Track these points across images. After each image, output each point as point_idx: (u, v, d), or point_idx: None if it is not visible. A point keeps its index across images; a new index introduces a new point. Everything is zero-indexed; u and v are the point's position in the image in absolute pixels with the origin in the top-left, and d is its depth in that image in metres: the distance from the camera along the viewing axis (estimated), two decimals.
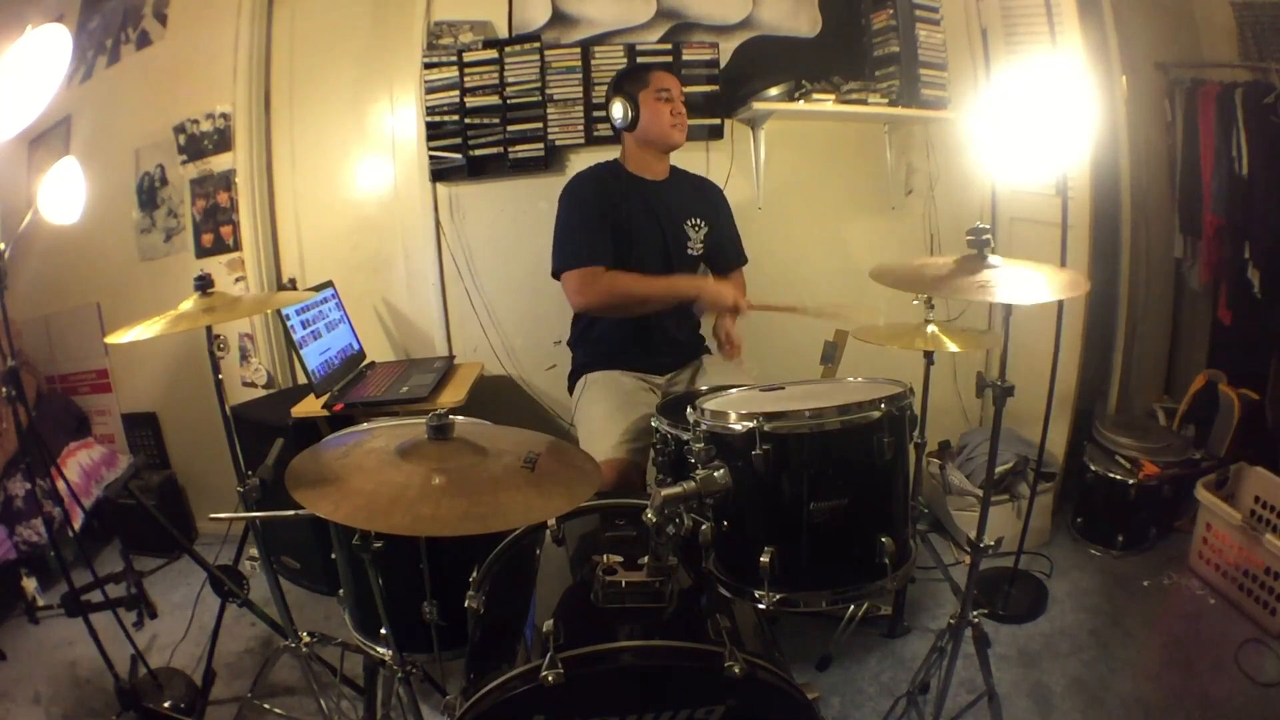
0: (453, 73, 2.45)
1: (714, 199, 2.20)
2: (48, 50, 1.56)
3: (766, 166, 2.57)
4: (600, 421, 1.87)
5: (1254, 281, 2.39)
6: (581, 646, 0.97)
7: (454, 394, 2.20)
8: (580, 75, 2.49)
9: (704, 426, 1.14)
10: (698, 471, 1.09)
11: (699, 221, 2.09)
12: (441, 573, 1.22)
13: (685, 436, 1.27)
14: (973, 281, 1.24)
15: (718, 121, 2.54)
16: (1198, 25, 2.57)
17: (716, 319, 2.06)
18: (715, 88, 2.51)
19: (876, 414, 1.09)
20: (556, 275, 1.97)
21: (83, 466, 2.49)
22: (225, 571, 1.95)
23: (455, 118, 2.48)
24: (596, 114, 2.50)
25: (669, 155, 2.11)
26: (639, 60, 2.48)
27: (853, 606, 1.91)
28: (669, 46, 2.50)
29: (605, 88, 2.46)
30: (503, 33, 2.50)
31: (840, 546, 1.12)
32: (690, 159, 2.21)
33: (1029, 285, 1.25)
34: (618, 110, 2.01)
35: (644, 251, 2.00)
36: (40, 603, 2.29)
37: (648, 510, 1.06)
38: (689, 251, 2.09)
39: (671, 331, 2.08)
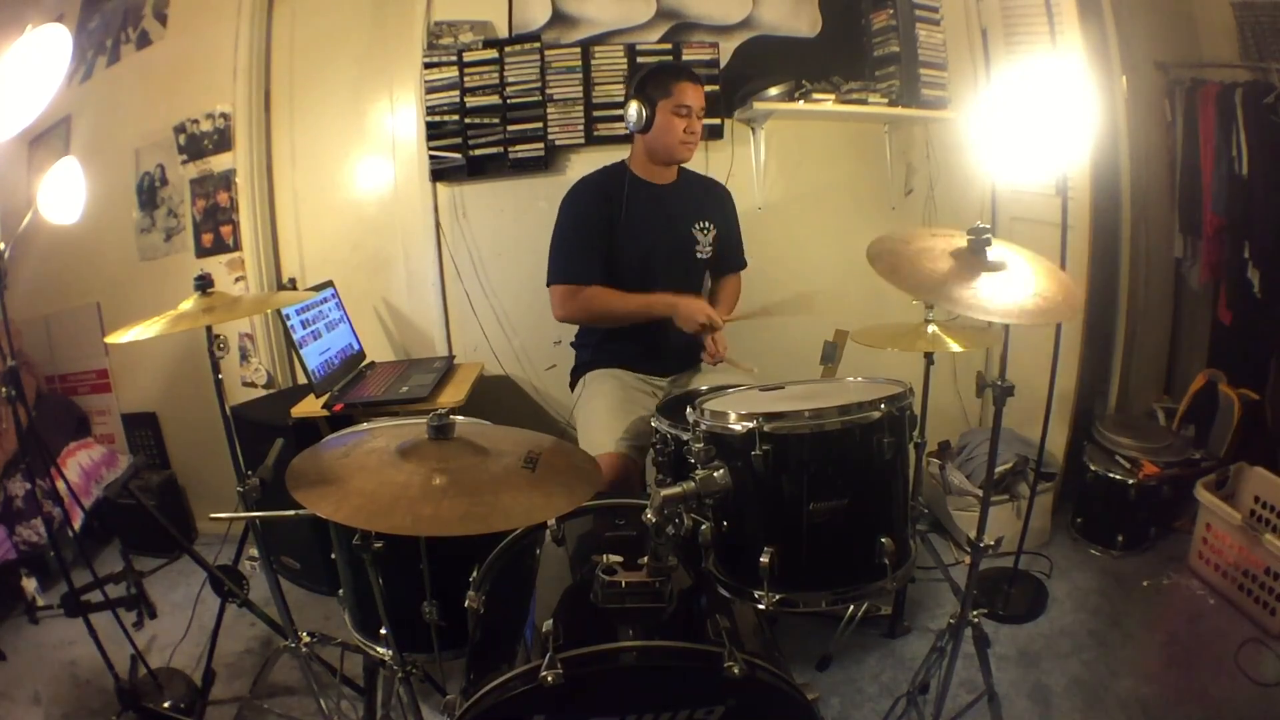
0: (453, 73, 2.45)
1: (722, 200, 2.19)
2: (48, 50, 1.57)
3: (766, 166, 2.57)
4: (601, 416, 1.87)
5: (1254, 281, 2.39)
6: (581, 647, 0.97)
7: (454, 394, 2.20)
8: (580, 75, 2.49)
9: (703, 426, 1.15)
10: (697, 472, 1.09)
11: (707, 224, 2.08)
12: (441, 573, 1.22)
13: (685, 436, 1.27)
14: (967, 291, 1.15)
15: (718, 121, 2.53)
16: (1198, 25, 2.57)
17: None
18: (715, 88, 2.50)
19: (876, 414, 1.09)
20: (549, 285, 2.01)
21: (83, 466, 2.49)
22: (225, 571, 1.95)
23: (455, 118, 2.48)
24: (597, 114, 2.50)
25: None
26: (664, 62, 2.45)
27: (852, 606, 1.91)
28: (669, 46, 2.50)
29: (605, 87, 2.47)
30: (503, 33, 2.50)
31: (840, 547, 1.12)
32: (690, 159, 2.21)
33: (1022, 292, 1.12)
34: (632, 112, 1.96)
35: (652, 257, 2.00)
36: (40, 603, 2.29)
37: (647, 510, 1.06)
38: (698, 255, 2.09)
39: (675, 338, 2.07)
